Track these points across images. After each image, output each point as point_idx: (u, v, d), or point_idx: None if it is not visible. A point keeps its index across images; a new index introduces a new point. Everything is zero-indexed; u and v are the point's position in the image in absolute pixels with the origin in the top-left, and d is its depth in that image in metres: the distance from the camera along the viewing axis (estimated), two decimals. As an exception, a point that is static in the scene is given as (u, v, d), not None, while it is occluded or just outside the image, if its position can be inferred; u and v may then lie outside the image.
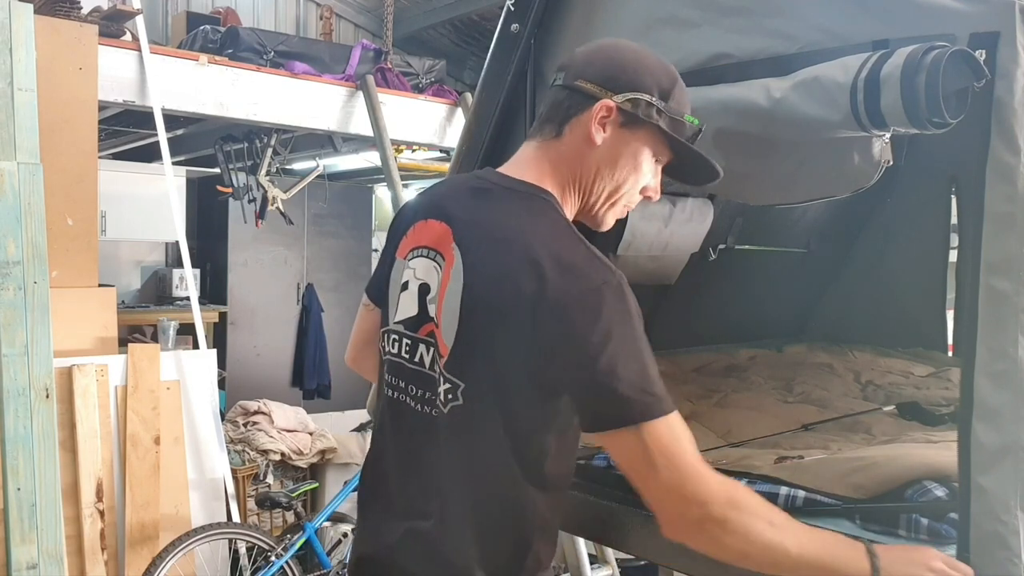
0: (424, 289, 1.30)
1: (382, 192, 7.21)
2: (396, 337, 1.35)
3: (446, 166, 5.38)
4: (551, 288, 1.16)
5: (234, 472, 4.01)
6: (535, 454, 1.25)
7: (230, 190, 5.16)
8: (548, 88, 1.34)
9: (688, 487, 1.16)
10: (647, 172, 1.32)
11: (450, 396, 1.24)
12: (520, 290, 1.17)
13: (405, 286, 1.33)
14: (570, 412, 1.23)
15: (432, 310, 1.28)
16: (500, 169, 1.34)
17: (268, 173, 5.14)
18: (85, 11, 3.73)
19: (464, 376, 1.23)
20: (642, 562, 3.43)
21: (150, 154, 5.29)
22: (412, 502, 1.31)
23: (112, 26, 3.92)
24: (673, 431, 1.17)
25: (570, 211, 1.32)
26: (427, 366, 1.29)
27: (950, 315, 3.28)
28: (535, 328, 1.16)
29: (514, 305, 1.18)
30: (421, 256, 1.32)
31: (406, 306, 1.33)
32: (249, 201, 5.25)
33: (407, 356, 1.32)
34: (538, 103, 1.38)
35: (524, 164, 1.32)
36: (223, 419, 4.31)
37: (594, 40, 1.85)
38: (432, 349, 1.28)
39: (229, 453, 4.04)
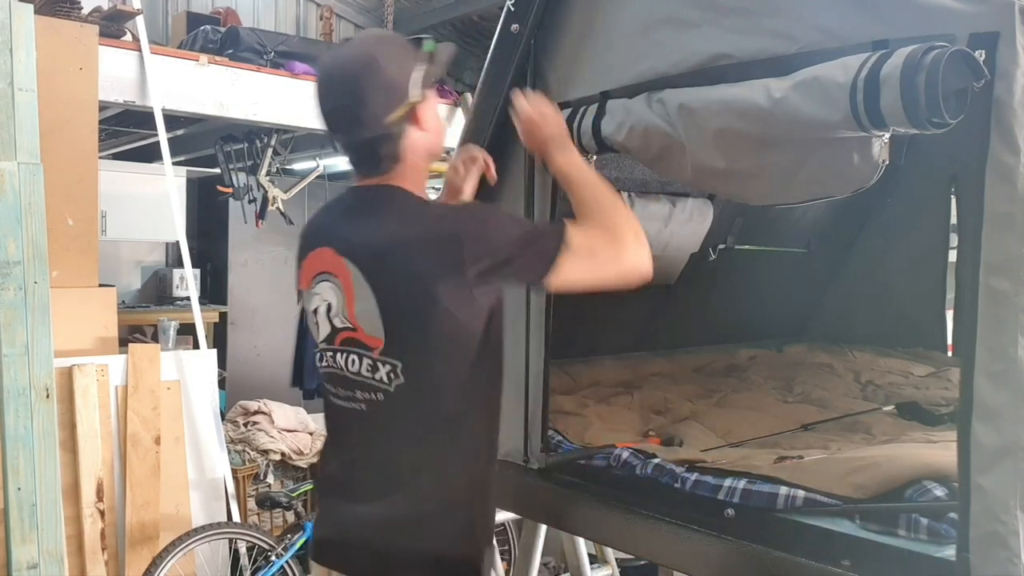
0: (328, 308, 1.50)
1: (382, 192, 7.20)
2: (322, 354, 1.55)
3: (445, 166, 5.37)
4: (429, 235, 1.41)
5: (234, 472, 4.01)
6: (470, 393, 1.46)
7: (230, 190, 5.16)
8: (352, 143, 1.49)
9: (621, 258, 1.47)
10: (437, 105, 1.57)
11: (392, 376, 1.43)
12: (410, 258, 1.40)
13: (316, 311, 1.52)
14: (499, 317, 1.48)
15: (339, 322, 1.48)
16: (357, 185, 1.55)
17: (268, 173, 5.14)
18: (85, 11, 3.73)
19: (402, 355, 1.42)
20: (642, 562, 3.42)
21: (150, 154, 5.28)
22: (364, 488, 1.50)
23: (112, 26, 3.92)
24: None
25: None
26: (354, 369, 1.47)
27: (950, 315, 3.28)
28: (436, 265, 1.38)
29: (410, 272, 1.39)
30: (321, 281, 1.51)
31: (323, 327, 1.52)
32: (249, 201, 5.25)
33: (340, 366, 1.50)
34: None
35: (380, 179, 1.50)
36: (223, 419, 4.30)
37: (593, 40, 1.86)
38: (353, 354, 1.47)
39: (229, 453, 4.04)
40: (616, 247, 1.46)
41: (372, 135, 1.43)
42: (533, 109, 1.67)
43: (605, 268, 1.46)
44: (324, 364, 1.54)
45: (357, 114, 1.42)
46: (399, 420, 1.45)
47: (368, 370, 1.45)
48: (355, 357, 1.46)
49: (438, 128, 1.53)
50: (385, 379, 1.43)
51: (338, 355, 1.49)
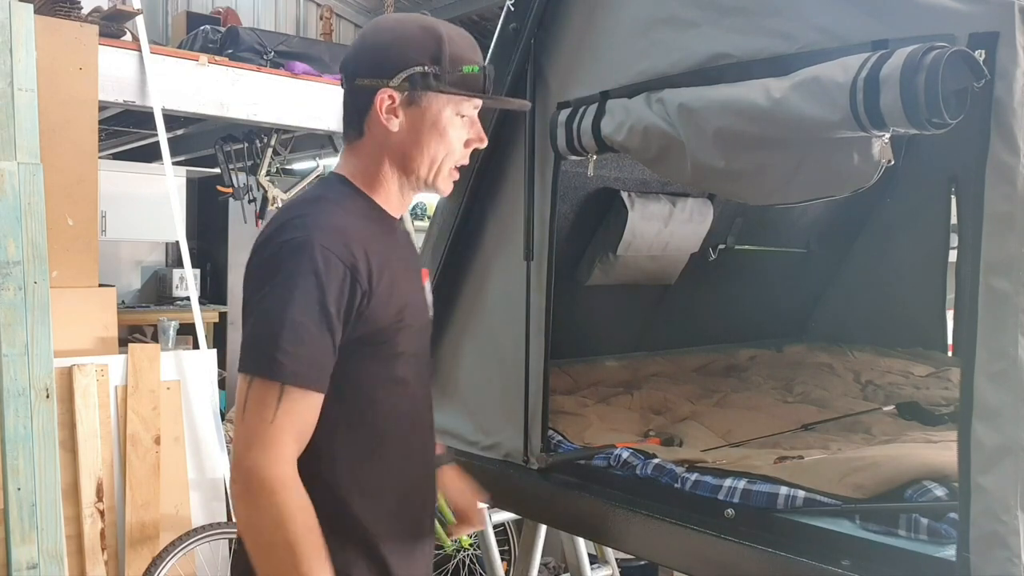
0: None
1: (382, 192, 7.20)
2: None
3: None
4: (257, 241, 1.30)
5: (234, 472, 4.01)
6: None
7: (230, 190, 5.16)
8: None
9: (246, 450, 1.19)
10: (457, 130, 1.39)
11: None
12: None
13: None
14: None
15: None
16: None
17: (268, 173, 5.14)
18: (85, 11, 3.73)
19: None
20: (642, 562, 3.42)
21: (150, 154, 5.28)
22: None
23: (112, 26, 3.92)
24: (264, 397, 1.19)
25: (396, 191, 1.42)
26: None
27: (950, 315, 3.28)
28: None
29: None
30: None
31: None
32: (249, 201, 5.25)
33: None
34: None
35: (341, 165, 1.44)
36: (223, 419, 4.30)
37: (593, 40, 1.86)
38: None
39: (229, 453, 4.04)
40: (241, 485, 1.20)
41: (346, 86, 1.38)
42: None
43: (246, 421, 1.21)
44: None
45: (346, 62, 1.39)
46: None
47: None
48: None
49: (417, 141, 1.36)
50: None
51: None
